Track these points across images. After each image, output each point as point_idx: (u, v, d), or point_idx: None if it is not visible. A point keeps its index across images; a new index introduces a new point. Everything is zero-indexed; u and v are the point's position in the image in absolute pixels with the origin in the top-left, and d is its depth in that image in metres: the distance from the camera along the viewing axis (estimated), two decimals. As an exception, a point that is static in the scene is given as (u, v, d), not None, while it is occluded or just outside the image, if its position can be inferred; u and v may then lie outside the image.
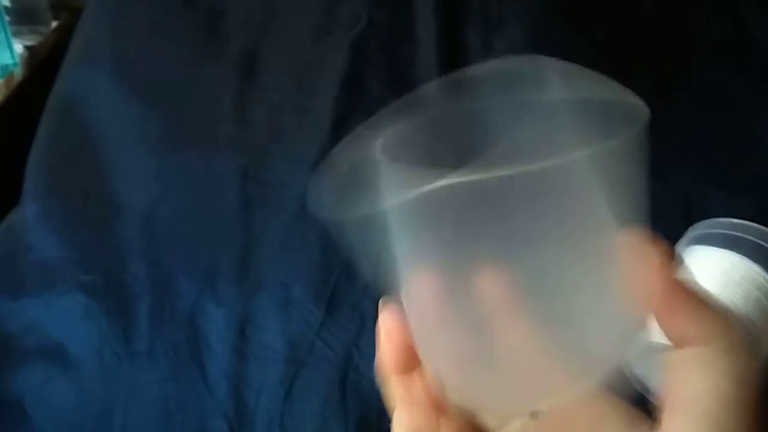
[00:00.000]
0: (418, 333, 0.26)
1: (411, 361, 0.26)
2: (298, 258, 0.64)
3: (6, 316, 0.63)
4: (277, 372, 0.58)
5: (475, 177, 0.21)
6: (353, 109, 0.74)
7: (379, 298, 0.64)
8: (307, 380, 0.58)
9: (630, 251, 0.23)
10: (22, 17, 0.99)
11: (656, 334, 0.53)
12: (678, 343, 0.24)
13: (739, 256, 0.55)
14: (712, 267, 0.55)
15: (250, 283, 0.63)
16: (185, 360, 0.60)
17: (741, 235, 0.56)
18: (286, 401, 0.57)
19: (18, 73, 0.93)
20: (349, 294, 0.62)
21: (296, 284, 0.63)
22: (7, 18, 0.93)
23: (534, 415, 0.26)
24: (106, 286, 0.64)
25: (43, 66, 0.94)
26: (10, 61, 0.94)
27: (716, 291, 0.53)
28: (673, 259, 0.23)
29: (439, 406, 0.26)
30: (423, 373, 0.27)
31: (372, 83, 0.77)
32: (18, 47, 0.96)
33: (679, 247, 0.60)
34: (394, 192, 0.23)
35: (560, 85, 0.24)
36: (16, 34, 0.97)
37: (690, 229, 0.60)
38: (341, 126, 0.73)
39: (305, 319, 0.61)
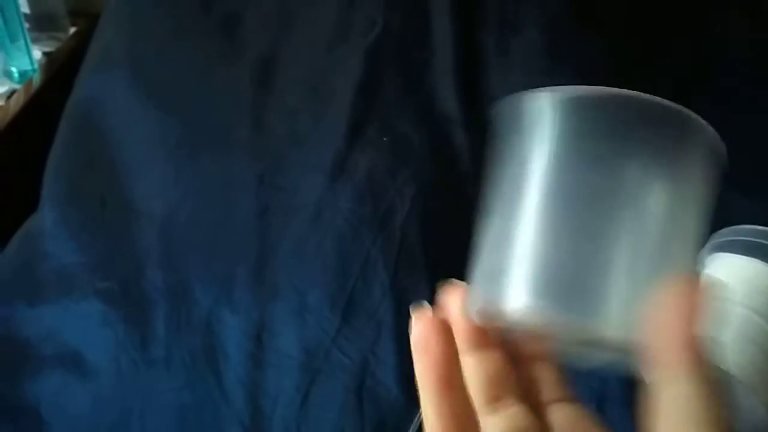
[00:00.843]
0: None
1: (450, 377, 0.27)
2: (313, 264, 0.64)
3: (23, 322, 0.63)
4: (294, 379, 0.58)
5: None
6: (369, 114, 0.74)
7: (398, 304, 0.63)
8: (323, 387, 0.58)
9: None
10: (41, 23, 1.00)
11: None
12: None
13: (764, 263, 0.54)
14: (736, 275, 0.54)
15: (266, 289, 0.63)
16: (202, 367, 0.59)
17: (765, 242, 0.55)
18: (302, 408, 0.57)
19: (36, 79, 0.94)
20: (365, 301, 0.62)
21: (312, 291, 0.62)
22: (26, 24, 0.94)
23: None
24: (123, 292, 0.64)
25: (61, 72, 0.94)
26: (29, 67, 0.95)
27: (740, 300, 0.52)
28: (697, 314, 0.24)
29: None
30: (459, 390, 0.27)
31: (388, 88, 0.76)
32: (36, 53, 0.97)
33: (701, 254, 0.59)
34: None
35: None
36: (35, 41, 0.98)
37: (712, 236, 0.59)
38: (357, 131, 0.73)
39: (321, 326, 0.60)
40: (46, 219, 0.70)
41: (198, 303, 0.63)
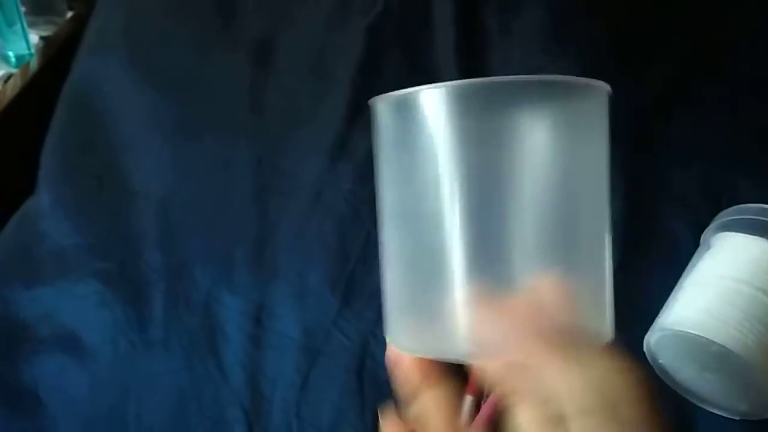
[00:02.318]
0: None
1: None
2: (313, 245, 0.64)
3: (20, 304, 0.62)
4: (294, 360, 0.57)
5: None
6: (370, 95, 0.73)
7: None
8: (323, 369, 0.57)
9: None
10: (38, 8, 0.99)
11: (683, 323, 0.51)
12: None
13: (770, 242, 0.53)
14: (741, 254, 0.54)
15: (265, 271, 0.62)
16: (201, 348, 0.59)
17: (771, 220, 0.54)
18: (302, 390, 0.56)
19: (33, 63, 0.93)
20: (366, 282, 0.61)
21: (312, 272, 0.62)
22: (22, 8, 0.93)
23: None
24: (120, 273, 0.63)
25: (58, 56, 0.94)
26: (26, 52, 0.94)
27: (746, 279, 0.51)
28: None
29: None
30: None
31: (388, 69, 0.76)
32: (33, 38, 0.96)
33: (707, 234, 0.59)
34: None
35: None
36: (32, 25, 0.97)
37: (718, 215, 0.59)
38: (358, 112, 0.72)
39: (321, 308, 0.60)
40: (42, 200, 0.69)
41: (197, 284, 0.62)
